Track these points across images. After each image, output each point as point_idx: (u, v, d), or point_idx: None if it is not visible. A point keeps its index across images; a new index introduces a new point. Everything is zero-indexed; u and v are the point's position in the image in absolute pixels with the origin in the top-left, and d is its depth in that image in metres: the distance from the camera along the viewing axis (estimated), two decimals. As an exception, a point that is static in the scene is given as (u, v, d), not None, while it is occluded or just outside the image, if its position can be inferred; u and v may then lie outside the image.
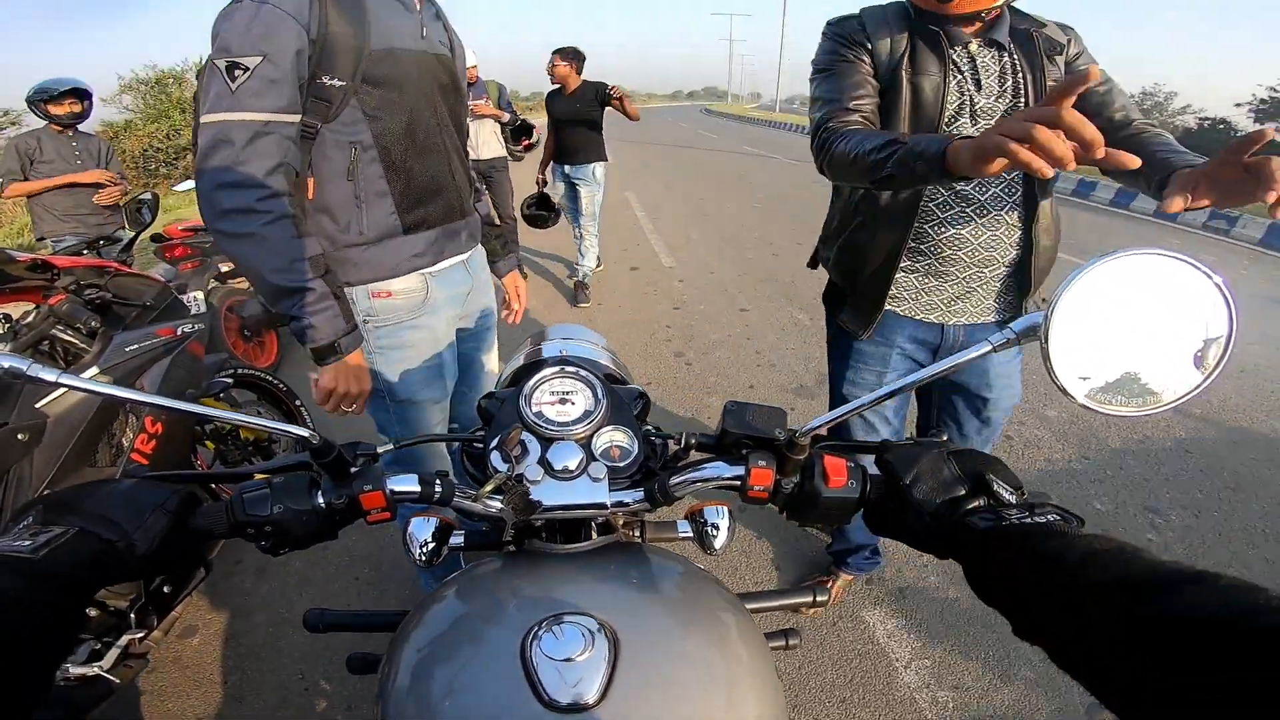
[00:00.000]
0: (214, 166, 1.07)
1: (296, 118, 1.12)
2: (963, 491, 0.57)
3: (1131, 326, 0.52)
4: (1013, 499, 0.55)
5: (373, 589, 2.09)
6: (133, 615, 1.55)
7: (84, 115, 3.57)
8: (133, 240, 2.79)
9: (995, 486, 0.56)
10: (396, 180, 1.26)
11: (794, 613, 1.87)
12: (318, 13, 1.09)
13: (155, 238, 3.31)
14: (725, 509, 0.82)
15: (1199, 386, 0.51)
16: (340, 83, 1.15)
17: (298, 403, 2.31)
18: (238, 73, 1.05)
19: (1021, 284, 1.40)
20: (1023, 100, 1.29)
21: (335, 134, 1.18)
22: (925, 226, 1.37)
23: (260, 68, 1.06)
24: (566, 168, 4.52)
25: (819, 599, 0.81)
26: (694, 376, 3.57)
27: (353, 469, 0.63)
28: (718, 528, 0.79)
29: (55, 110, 3.44)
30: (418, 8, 1.28)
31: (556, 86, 4.40)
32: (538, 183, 4.67)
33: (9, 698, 0.41)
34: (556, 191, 4.64)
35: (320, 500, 0.61)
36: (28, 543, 0.48)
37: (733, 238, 6.56)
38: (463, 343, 1.55)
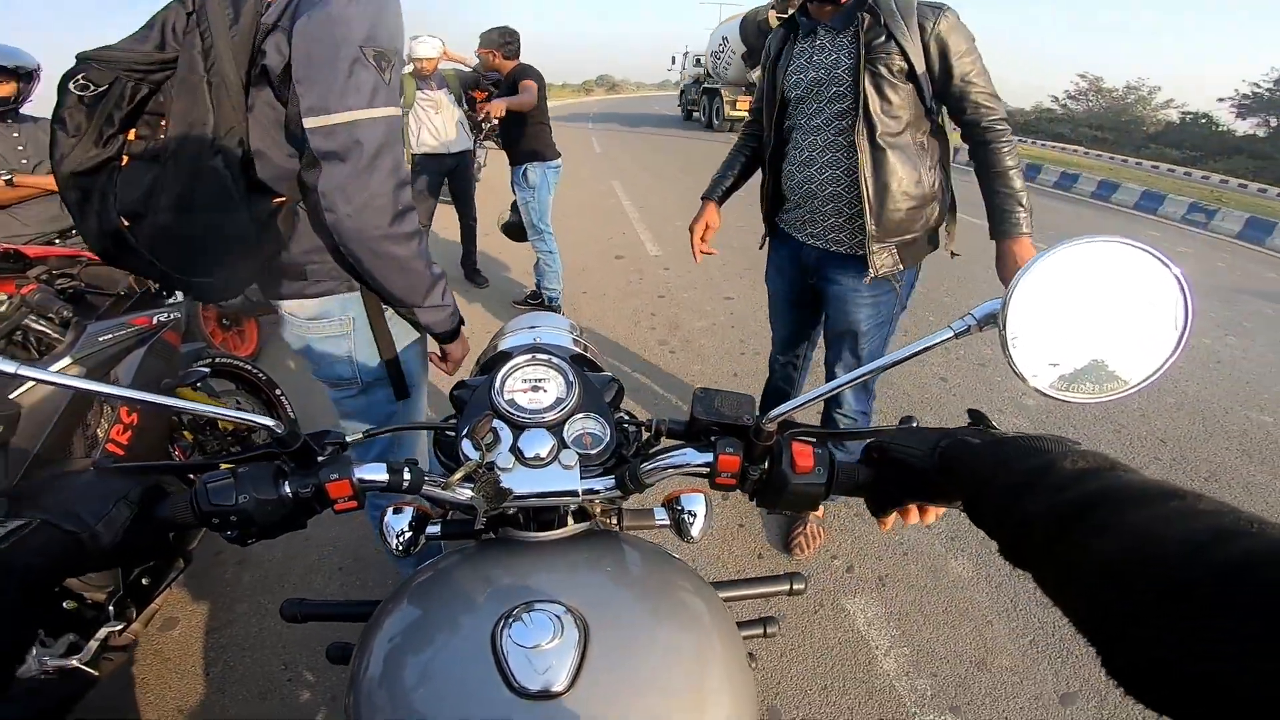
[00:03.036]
0: (389, 164, 1.00)
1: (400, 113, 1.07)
2: (943, 429, 0.59)
3: (1090, 314, 0.52)
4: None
5: (355, 579, 2.08)
6: (111, 608, 1.53)
7: (22, 99, 2.69)
8: None
9: (986, 417, 0.58)
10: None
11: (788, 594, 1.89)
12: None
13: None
14: (702, 496, 0.82)
15: (1155, 374, 0.52)
16: None
17: (278, 392, 2.28)
18: (384, 64, 0.98)
19: (856, 222, 1.70)
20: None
21: None
22: (782, 166, 1.84)
23: (396, 61, 1.01)
24: (509, 171, 3.89)
25: (795, 587, 0.81)
26: (678, 364, 3.58)
27: (320, 458, 0.62)
28: (695, 515, 0.80)
29: None
30: None
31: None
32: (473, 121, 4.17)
33: None
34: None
35: (286, 489, 0.61)
36: None
37: (720, 226, 6.51)
38: None
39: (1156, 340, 0.51)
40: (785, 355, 2.23)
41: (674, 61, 22.97)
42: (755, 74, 14.69)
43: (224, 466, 0.60)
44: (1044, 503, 0.42)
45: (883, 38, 1.53)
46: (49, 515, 0.53)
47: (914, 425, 0.64)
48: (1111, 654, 0.34)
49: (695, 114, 19.34)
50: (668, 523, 0.82)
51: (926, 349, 0.59)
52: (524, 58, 3.83)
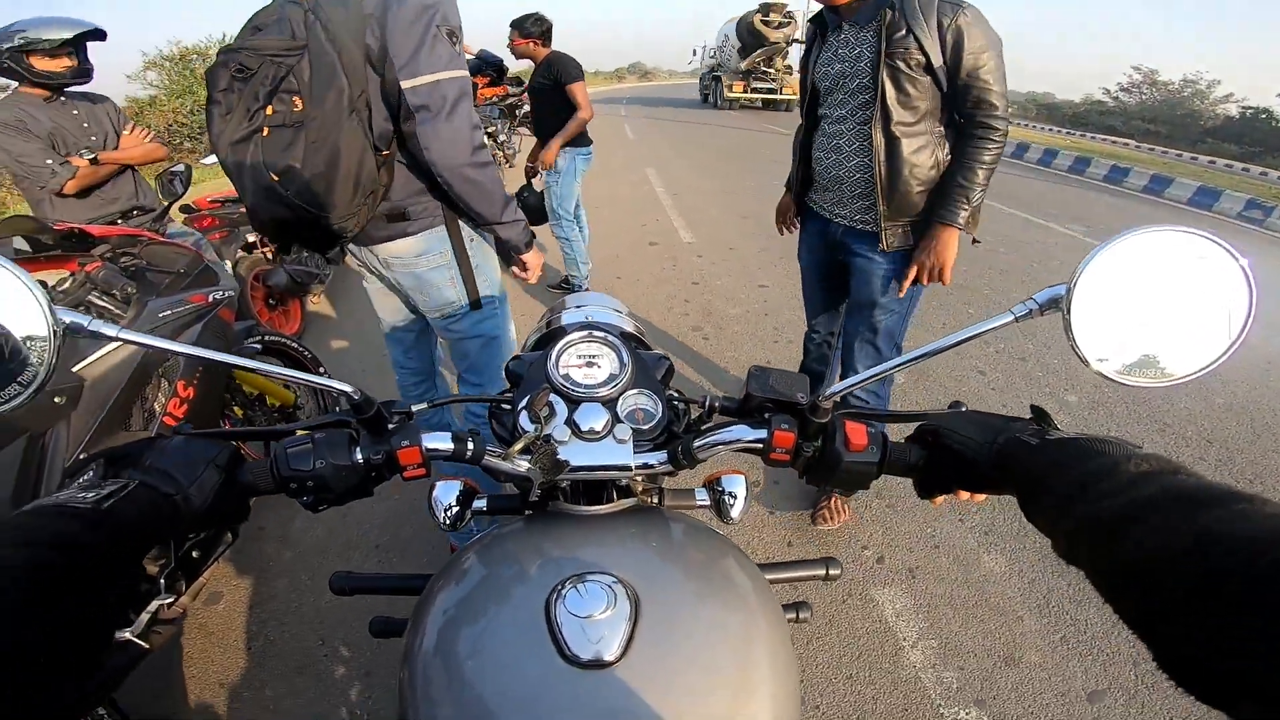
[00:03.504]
0: (466, 110, 1.37)
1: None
2: (1004, 422, 0.58)
3: (1153, 300, 0.53)
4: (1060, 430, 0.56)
5: (393, 555, 2.13)
6: (162, 580, 1.57)
7: (82, 70, 2.51)
8: (165, 210, 2.81)
9: (1045, 414, 0.57)
10: None
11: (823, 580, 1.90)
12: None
13: (184, 209, 3.35)
14: (742, 478, 0.83)
15: (1215, 362, 0.52)
16: None
17: (321, 370, 2.36)
18: (453, 38, 1.35)
19: (872, 202, 1.85)
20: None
21: None
22: (812, 152, 2.00)
23: (460, 36, 1.38)
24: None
25: (831, 572, 0.83)
26: (711, 350, 3.59)
27: (390, 426, 0.64)
28: (735, 496, 0.80)
29: (44, 66, 2.40)
30: None
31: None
32: (526, 171, 4.05)
33: (81, 641, 0.41)
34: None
35: (359, 456, 0.62)
36: (91, 494, 0.48)
37: (754, 213, 6.47)
38: None
39: (1218, 329, 0.51)
40: (819, 333, 2.36)
41: (694, 54, 26.01)
42: (744, 64, 18.59)
43: (300, 433, 0.63)
44: (1105, 502, 0.42)
45: (903, 32, 1.63)
46: (146, 477, 0.54)
47: (964, 410, 0.64)
48: (1164, 651, 0.34)
49: (707, 96, 22.95)
50: (708, 503, 0.83)
51: (986, 331, 0.59)
52: (555, 45, 3.81)
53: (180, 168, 2.79)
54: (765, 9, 17.60)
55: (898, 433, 0.67)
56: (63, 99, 2.55)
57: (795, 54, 17.84)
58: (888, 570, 2.07)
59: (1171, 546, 0.35)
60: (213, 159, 3.39)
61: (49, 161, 2.44)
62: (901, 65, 1.65)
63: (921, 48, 1.62)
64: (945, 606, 1.93)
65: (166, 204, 2.81)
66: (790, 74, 18.79)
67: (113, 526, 0.47)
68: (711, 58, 22.39)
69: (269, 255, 3.43)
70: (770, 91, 19.22)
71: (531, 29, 3.68)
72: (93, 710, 1.38)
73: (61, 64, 2.44)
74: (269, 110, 1.29)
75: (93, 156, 2.53)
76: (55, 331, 0.48)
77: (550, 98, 3.71)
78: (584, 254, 4.12)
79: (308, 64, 1.27)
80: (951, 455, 0.60)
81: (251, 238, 3.37)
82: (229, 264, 3.05)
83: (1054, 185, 9.98)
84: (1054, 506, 0.47)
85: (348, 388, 0.61)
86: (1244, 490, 0.36)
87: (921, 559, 2.11)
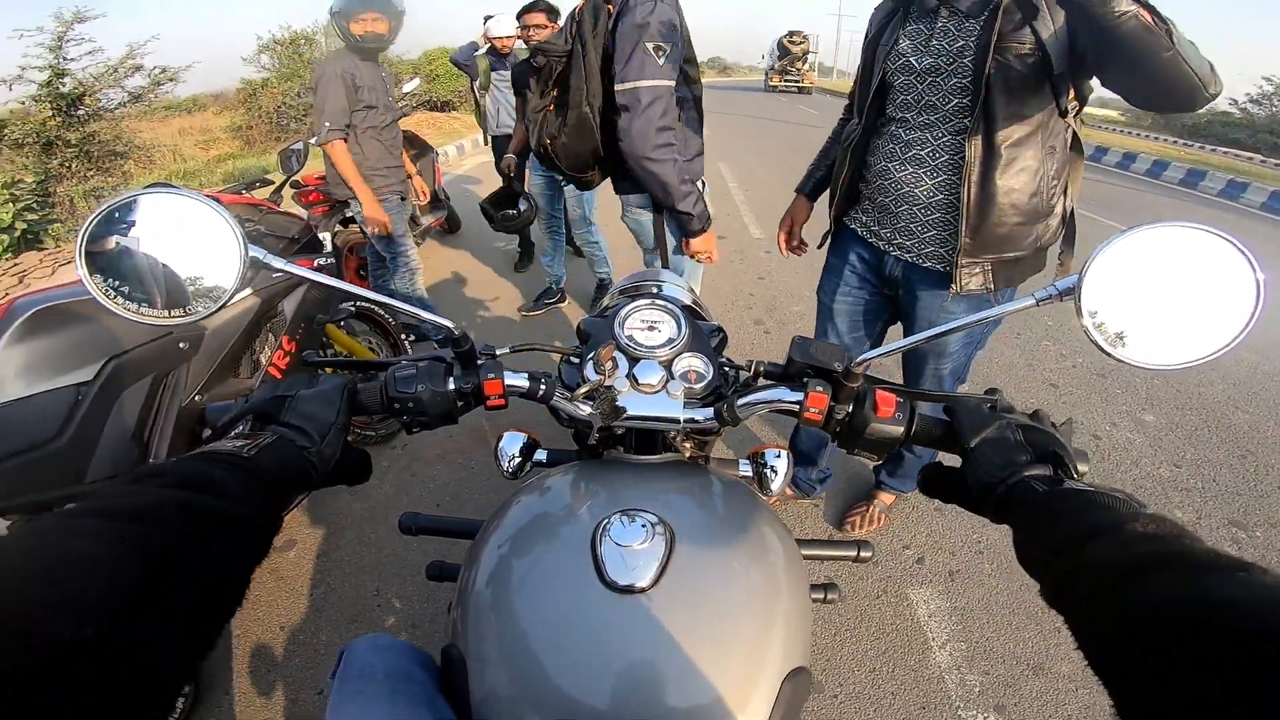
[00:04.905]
0: (656, 113, 1.69)
1: (674, 83, 1.75)
2: (1026, 458, 0.56)
3: (1162, 290, 0.57)
4: (1077, 478, 0.56)
5: (453, 515, 2.29)
6: None
7: (393, 37, 2.75)
8: (282, 184, 3.10)
9: (1064, 461, 0.56)
10: (693, 120, 1.96)
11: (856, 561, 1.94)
12: (680, 13, 1.76)
13: (294, 184, 3.67)
14: (785, 453, 0.90)
15: (1221, 350, 0.56)
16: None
17: (403, 336, 2.57)
18: (659, 53, 1.67)
19: (951, 232, 1.49)
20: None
21: (679, 91, 1.82)
22: (869, 159, 1.62)
23: (671, 52, 1.69)
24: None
25: (863, 554, 0.87)
26: (771, 343, 3.63)
27: (478, 361, 0.73)
28: (777, 470, 0.87)
29: (355, 29, 2.63)
30: None
31: (529, 51, 3.45)
32: (505, 171, 3.53)
33: (234, 586, 0.43)
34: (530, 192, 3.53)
35: (451, 385, 0.70)
36: (241, 444, 0.52)
37: (821, 213, 6.37)
38: None
39: (1226, 321, 0.55)
40: None
41: (763, 58, 38.22)
42: (778, 65, 30.92)
43: (405, 362, 0.71)
44: (1107, 555, 0.42)
45: (1017, 25, 1.30)
46: (285, 430, 0.58)
47: (998, 397, 0.66)
48: (1134, 705, 0.35)
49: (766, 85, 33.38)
50: (750, 474, 0.89)
51: (1009, 312, 0.62)
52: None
53: (299, 145, 3.05)
54: (790, 33, 30.28)
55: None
56: (378, 61, 2.83)
57: (806, 59, 30.96)
58: (927, 571, 2.07)
59: (1168, 605, 0.35)
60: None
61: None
62: (1015, 64, 1.31)
63: (1041, 45, 1.28)
64: (981, 611, 1.93)
65: (284, 178, 3.09)
66: (809, 69, 31.74)
67: (256, 473, 0.49)
68: (764, 60, 36.46)
69: (363, 231, 3.70)
70: (795, 82, 31.09)
71: (554, 12, 3.29)
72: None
73: (364, 27, 2.66)
74: (552, 93, 1.90)
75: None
76: (244, 260, 0.59)
77: None
78: (608, 253, 3.94)
79: (570, 63, 1.80)
80: (959, 476, 0.61)
81: (350, 213, 3.65)
82: (328, 236, 3.32)
83: (1161, 197, 9.35)
84: (1052, 552, 0.47)
85: (449, 323, 0.70)
86: (1243, 559, 0.37)
87: (964, 563, 2.11)
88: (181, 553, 0.38)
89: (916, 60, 1.45)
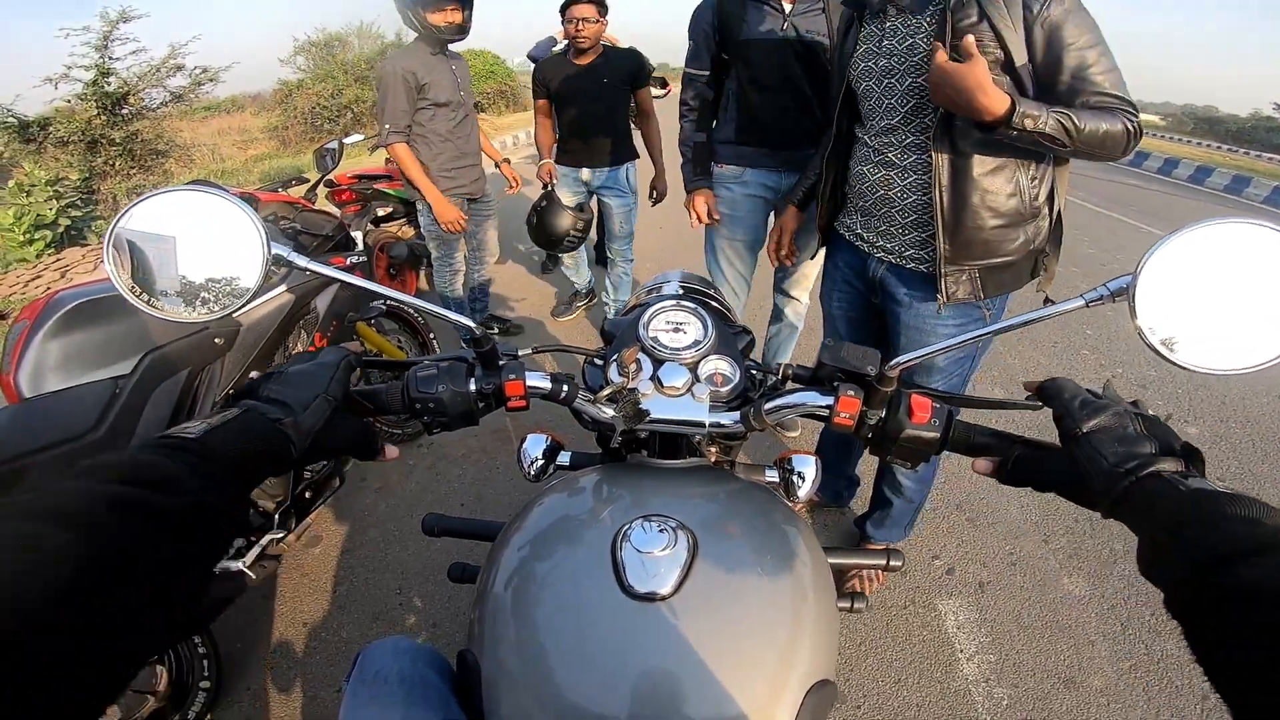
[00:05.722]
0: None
1: (705, 72, 2.13)
2: (1150, 451, 0.51)
3: (1221, 291, 0.54)
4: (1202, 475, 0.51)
5: (476, 515, 2.30)
6: (276, 517, 1.70)
7: (465, 30, 2.65)
8: (318, 182, 3.15)
9: (1198, 457, 0.51)
10: (745, 108, 2.13)
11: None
12: (716, 13, 2.04)
13: (327, 183, 3.73)
14: (813, 459, 0.86)
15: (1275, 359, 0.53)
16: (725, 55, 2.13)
17: (431, 336, 2.59)
18: (688, 46, 2.11)
19: (930, 234, 1.43)
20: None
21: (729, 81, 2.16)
22: (849, 163, 1.59)
23: (691, 46, 2.10)
24: (585, 172, 3.18)
25: (893, 563, 0.84)
26: (799, 350, 3.58)
27: (500, 363, 0.73)
28: (804, 477, 0.84)
29: (434, 20, 2.53)
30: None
31: (562, 49, 3.19)
32: (546, 178, 3.15)
33: (178, 571, 0.41)
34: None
35: (473, 386, 0.69)
36: (196, 426, 0.49)
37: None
38: None
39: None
40: None
41: None
42: None
43: (427, 362, 0.71)
44: (1270, 577, 0.38)
45: (973, 19, 1.25)
46: (257, 404, 0.56)
47: (1039, 406, 0.63)
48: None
49: None
50: (777, 480, 0.86)
51: (1057, 314, 0.60)
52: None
53: (334, 145, 3.10)
54: None
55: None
56: (448, 54, 2.74)
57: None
58: (957, 582, 2.03)
59: None
60: (354, 138, 3.75)
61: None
62: None
63: (999, 39, 1.23)
64: (1011, 624, 1.88)
65: (320, 176, 3.15)
66: None
67: (206, 454, 0.47)
68: None
69: (393, 230, 3.75)
70: None
71: (604, 7, 2.97)
72: (192, 635, 1.48)
73: (444, 17, 2.58)
74: None
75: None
76: (266, 258, 0.59)
77: (616, 99, 3.13)
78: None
79: None
80: (1061, 461, 0.58)
81: (381, 211, 3.70)
82: (360, 235, 3.36)
83: (1205, 204, 9.08)
84: (1198, 562, 0.42)
85: (470, 323, 0.70)
86: None
87: (995, 574, 2.06)
88: (109, 549, 0.36)
89: (873, 63, 1.43)
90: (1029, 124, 1.17)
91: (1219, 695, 0.37)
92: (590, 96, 3.04)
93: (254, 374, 0.62)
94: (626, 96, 3.18)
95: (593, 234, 3.66)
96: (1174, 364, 0.56)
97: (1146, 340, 0.56)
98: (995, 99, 1.16)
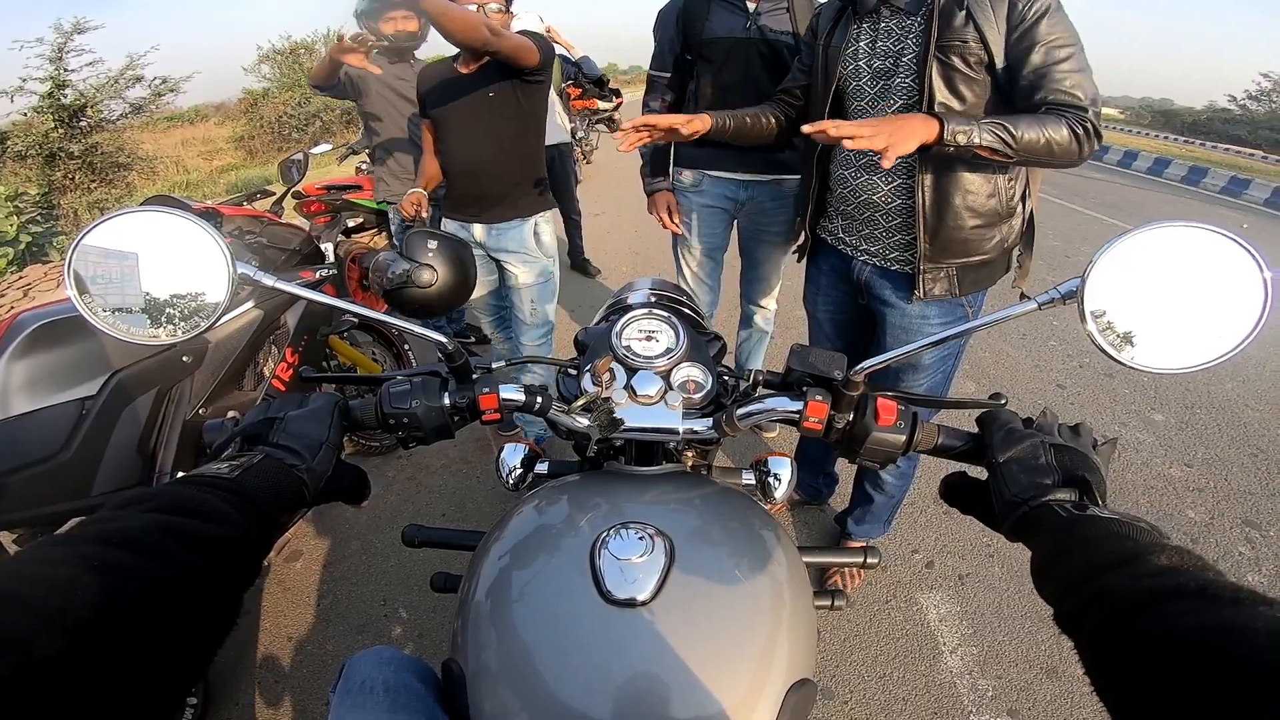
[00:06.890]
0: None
1: (667, 74, 2.11)
2: (1051, 482, 0.55)
3: (1166, 291, 0.56)
4: (1103, 505, 0.54)
5: (458, 525, 2.28)
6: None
7: (420, 37, 2.64)
8: (284, 195, 3.10)
9: (1091, 487, 0.54)
10: (707, 108, 1.89)
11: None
12: (681, 13, 2.01)
13: (296, 195, 3.66)
14: (788, 460, 0.88)
15: (1230, 352, 0.55)
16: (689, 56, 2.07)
17: (406, 347, 2.57)
18: (653, 48, 2.10)
19: (912, 236, 1.44)
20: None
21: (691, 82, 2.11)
22: (831, 168, 1.58)
23: (656, 47, 2.10)
24: (477, 229, 2.12)
25: (869, 560, 0.86)
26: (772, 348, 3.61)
27: (474, 376, 0.73)
28: (780, 478, 0.86)
29: (384, 29, 2.55)
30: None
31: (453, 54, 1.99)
32: (410, 211, 2.10)
33: (224, 609, 0.44)
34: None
35: (447, 400, 0.70)
36: (226, 467, 0.52)
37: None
38: None
39: (1234, 321, 0.54)
40: None
41: None
42: None
43: (400, 378, 0.71)
44: (1129, 584, 0.41)
45: (960, 21, 1.25)
46: (274, 450, 0.58)
47: (1003, 404, 0.65)
48: None
49: None
50: (754, 482, 0.88)
51: (1010, 318, 0.62)
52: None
53: (299, 156, 3.05)
54: None
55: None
56: (412, 61, 2.74)
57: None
58: (936, 575, 2.06)
59: (1185, 633, 0.35)
60: (322, 148, 3.69)
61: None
62: (958, 63, 1.27)
63: (984, 41, 1.25)
64: (992, 615, 1.91)
65: (285, 189, 3.10)
66: None
67: (244, 494, 0.50)
68: None
69: (365, 241, 3.70)
70: None
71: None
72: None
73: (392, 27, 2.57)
74: None
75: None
76: (232, 277, 0.59)
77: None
78: None
79: None
80: (983, 490, 0.61)
81: (352, 222, 3.65)
82: (330, 247, 3.31)
83: (1165, 195, 9.34)
84: (1070, 578, 0.46)
85: (443, 338, 0.70)
86: (1267, 595, 0.37)
87: (974, 566, 2.09)
88: (166, 576, 0.39)
89: (866, 62, 1.42)
90: (960, 139, 1.18)
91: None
92: (473, 116, 1.99)
93: (232, 413, 0.63)
94: (531, 111, 2.05)
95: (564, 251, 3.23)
96: (1122, 364, 0.58)
97: (1096, 342, 0.57)
98: (922, 126, 1.17)
